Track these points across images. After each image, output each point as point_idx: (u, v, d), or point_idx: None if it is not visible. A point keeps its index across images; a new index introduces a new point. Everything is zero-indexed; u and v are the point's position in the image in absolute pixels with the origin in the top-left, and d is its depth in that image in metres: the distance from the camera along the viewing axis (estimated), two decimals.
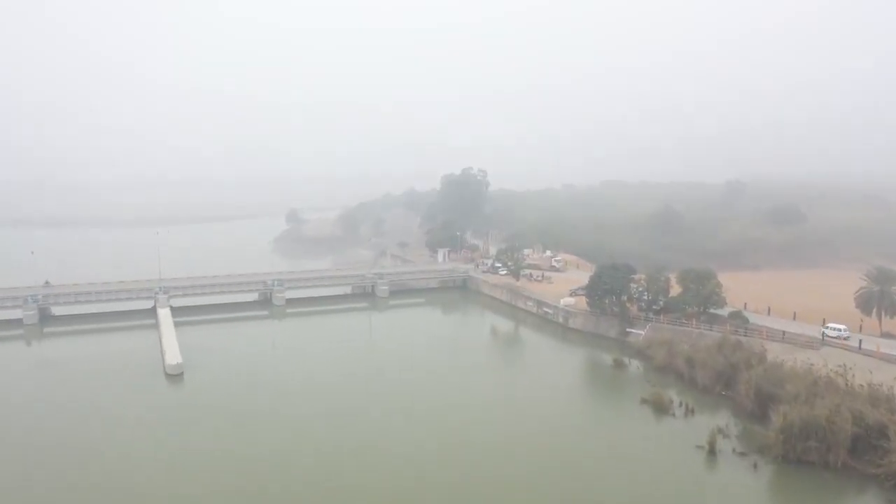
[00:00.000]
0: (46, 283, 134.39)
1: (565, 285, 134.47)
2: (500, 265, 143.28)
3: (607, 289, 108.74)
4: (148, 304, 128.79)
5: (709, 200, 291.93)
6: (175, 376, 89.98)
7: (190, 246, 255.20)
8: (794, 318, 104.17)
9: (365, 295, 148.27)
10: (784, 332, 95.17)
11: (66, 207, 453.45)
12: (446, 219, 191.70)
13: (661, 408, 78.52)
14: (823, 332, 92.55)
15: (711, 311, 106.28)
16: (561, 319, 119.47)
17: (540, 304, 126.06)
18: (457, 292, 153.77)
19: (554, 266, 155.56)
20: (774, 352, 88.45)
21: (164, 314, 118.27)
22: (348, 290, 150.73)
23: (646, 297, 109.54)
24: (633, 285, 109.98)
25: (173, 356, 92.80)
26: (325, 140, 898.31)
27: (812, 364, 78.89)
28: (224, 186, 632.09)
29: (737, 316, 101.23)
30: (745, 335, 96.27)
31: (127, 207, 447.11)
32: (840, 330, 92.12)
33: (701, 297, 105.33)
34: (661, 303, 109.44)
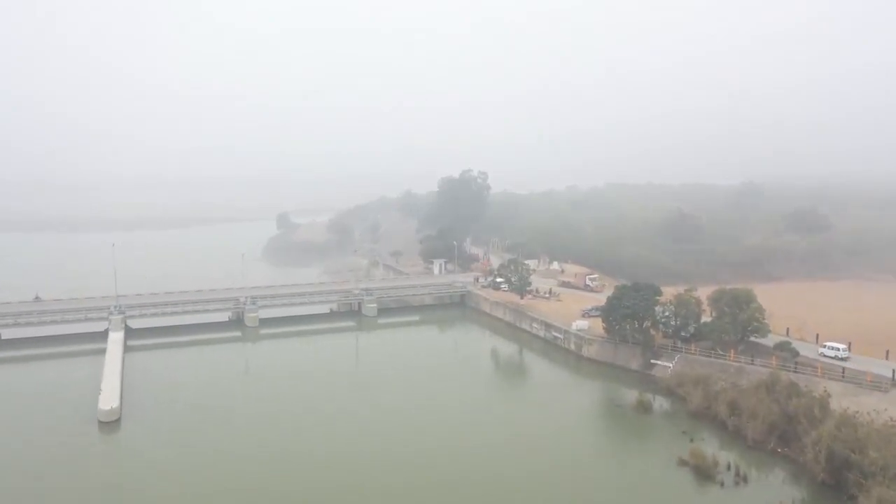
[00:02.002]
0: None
1: (577, 304, 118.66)
2: (501, 280, 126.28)
3: (628, 312, 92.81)
4: (102, 326, 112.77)
5: (721, 203, 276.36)
6: (109, 424, 74.19)
7: (169, 254, 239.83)
8: (850, 349, 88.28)
9: (351, 313, 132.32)
10: (844, 369, 79.48)
11: (61, 209, 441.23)
12: (443, 226, 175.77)
13: (704, 472, 62.61)
14: (821, 353, 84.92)
15: (751, 339, 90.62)
16: (573, 346, 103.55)
17: (548, 326, 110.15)
18: (454, 310, 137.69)
19: (588, 285, 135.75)
20: (834, 393, 72.65)
21: (116, 339, 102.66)
22: (334, 306, 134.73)
23: (673, 323, 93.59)
24: (657, 308, 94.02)
25: (109, 398, 76.96)
26: (325, 141, 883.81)
27: (892, 417, 63.08)
28: (224, 188, 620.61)
29: (784, 347, 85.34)
30: (794, 371, 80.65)
31: (122, 209, 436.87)
32: (838, 350, 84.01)
33: (739, 323, 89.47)
34: (691, 329, 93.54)
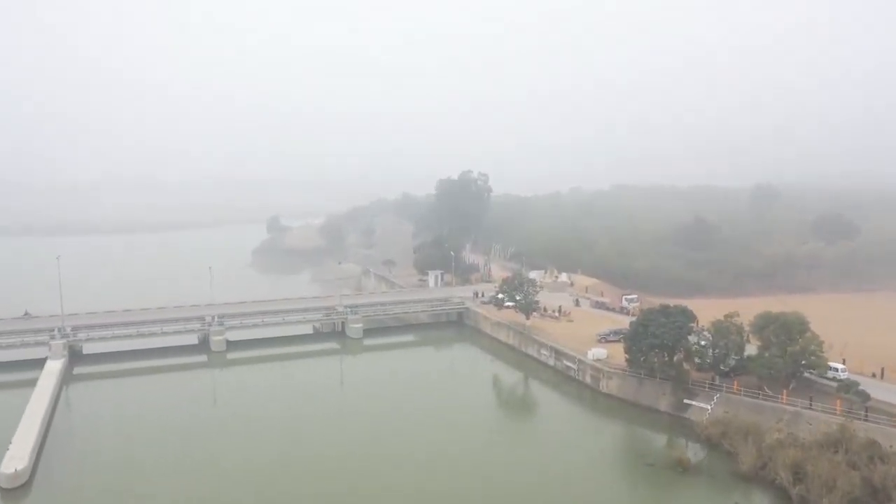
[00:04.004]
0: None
1: (591, 326, 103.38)
2: (503, 296, 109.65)
3: (656, 342, 77.65)
4: (44, 353, 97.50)
5: (735, 207, 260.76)
6: (13, 491, 59.14)
7: (155, 259, 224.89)
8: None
9: (335, 333, 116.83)
10: None
11: (60, 210, 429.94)
12: (440, 232, 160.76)
13: None
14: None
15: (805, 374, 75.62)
16: (589, 379, 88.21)
17: (559, 354, 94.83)
18: (451, 329, 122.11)
19: (625, 307, 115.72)
20: None
21: (52, 371, 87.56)
22: (317, 325, 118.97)
23: (712, 354, 78.30)
24: (692, 338, 78.87)
25: (16, 456, 61.73)
26: (325, 142, 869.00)
27: None
28: (225, 188, 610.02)
29: (850, 388, 70.13)
30: (865, 419, 65.53)
31: (123, 209, 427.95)
32: (837, 370, 75.63)
33: (791, 356, 74.20)
34: (731, 362, 78.37)
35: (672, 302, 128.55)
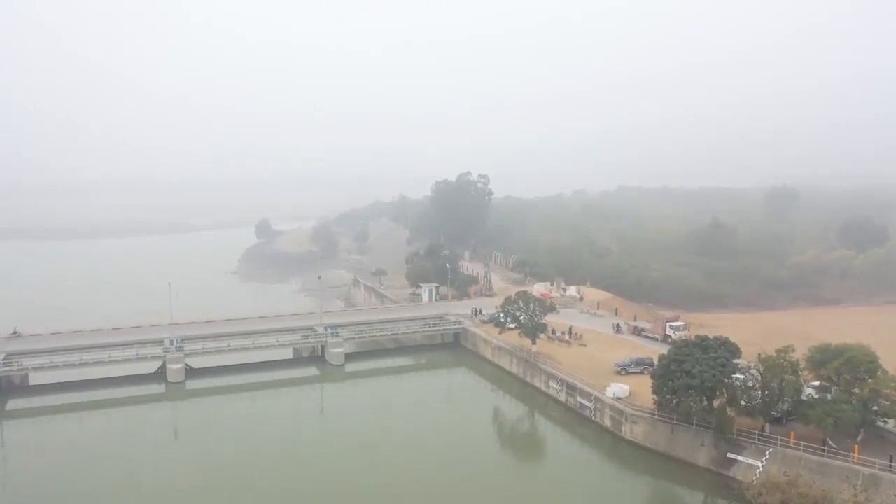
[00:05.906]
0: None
1: (607, 352, 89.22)
2: (504, 315, 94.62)
3: (694, 383, 63.54)
4: None
5: (741, 207, 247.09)
6: None
7: (135, 266, 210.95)
8: None
9: (314, 358, 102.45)
10: None
11: (60, 211, 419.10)
12: (435, 241, 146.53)
13: None
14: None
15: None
16: (608, 422, 73.95)
17: (571, 388, 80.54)
18: (446, 352, 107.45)
19: (670, 335, 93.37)
20: None
21: None
22: (297, 347, 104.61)
23: (761, 397, 64.13)
24: (737, 377, 64.72)
25: None
26: (325, 144, 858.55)
27: None
28: (226, 189, 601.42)
29: None
30: None
31: (123, 211, 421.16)
32: None
33: (859, 402, 60.14)
34: (785, 406, 64.38)
35: (692, 316, 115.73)
